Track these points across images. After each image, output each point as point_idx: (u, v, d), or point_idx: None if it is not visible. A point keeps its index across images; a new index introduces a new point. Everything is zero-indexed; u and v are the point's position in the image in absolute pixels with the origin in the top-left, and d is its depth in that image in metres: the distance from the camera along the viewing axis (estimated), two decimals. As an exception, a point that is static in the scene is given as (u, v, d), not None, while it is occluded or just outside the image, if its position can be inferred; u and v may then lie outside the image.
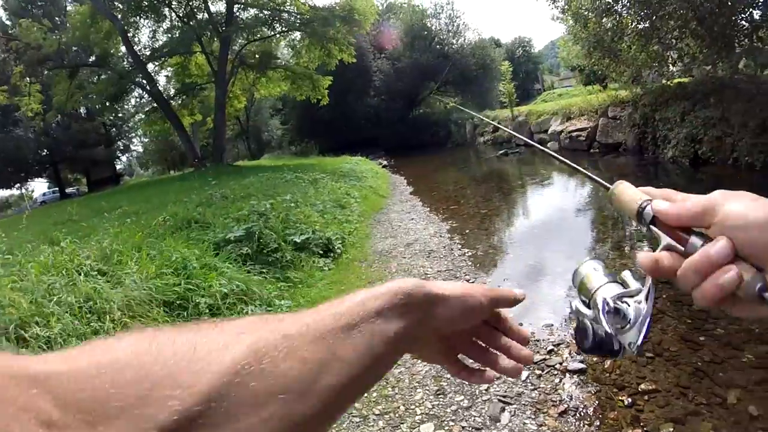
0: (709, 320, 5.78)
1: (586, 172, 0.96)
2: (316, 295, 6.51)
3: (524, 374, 4.69)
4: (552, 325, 5.75)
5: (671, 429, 3.99)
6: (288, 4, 25.99)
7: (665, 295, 6.63)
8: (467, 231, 10.41)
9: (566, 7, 20.39)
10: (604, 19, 19.46)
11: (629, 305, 0.73)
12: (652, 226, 0.74)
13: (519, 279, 7.53)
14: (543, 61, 64.94)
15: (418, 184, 17.18)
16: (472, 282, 7.16)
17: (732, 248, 0.58)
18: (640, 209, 0.75)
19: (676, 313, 6.05)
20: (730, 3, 13.83)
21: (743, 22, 15.87)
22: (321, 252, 8.39)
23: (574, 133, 23.00)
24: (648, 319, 0.71)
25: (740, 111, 14.40)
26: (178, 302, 5.20)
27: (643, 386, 4.54)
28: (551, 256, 8.70)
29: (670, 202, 0.71)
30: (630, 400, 4.35)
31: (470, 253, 8.72)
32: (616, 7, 18.90)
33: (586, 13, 19.83)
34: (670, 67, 20.31)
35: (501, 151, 25.36)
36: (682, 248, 0.68)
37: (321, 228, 9.02)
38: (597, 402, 4.36)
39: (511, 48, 58.77)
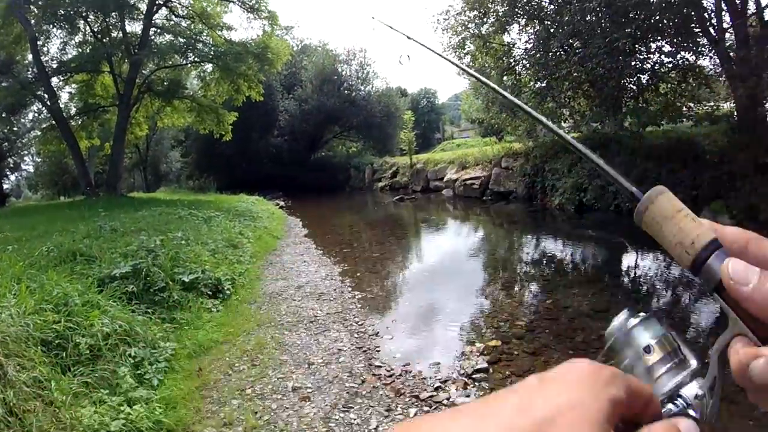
0: (590, 349, 6.12)
1: (615, 175, 0.67)
2: (203, 338, 6.32)
3: (412, 411, 4.70)
4: (439, 363, 5.86)
5: None
6: (204, 34, 25.62)
7: (549, 329, 6.93)
8: (359, 274, 10.42)
9: (471, 64, 21.62)
10: (505, 77, 20.77)
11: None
12: (719, 297, 0.48)
13: (410, 320, 7.61)
14: (446, 112, 66.87)
15: (314, 227, 17.06)
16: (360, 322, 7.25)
17: None
18: (699, 258, 0.49)
19: (559, 345, 6.38)
20: (620, 68, 15.01)
21: (631, 86, 17.42)
22: (210, 293, 8.00)
23: (469, 181, 23.93)
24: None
25: (623, 162, 15.72)
26: (57, 341, 4.83)
27: None
28: (442, 298, 8.89)
29: (749, 260, 0.47)
30: None
31: (361, 296, 8.71)
32: (516, 68, 20.29)
33: (489, 70, 21.18)
34: (563, 123, 21.80)
35: (397, 197, 25.82)
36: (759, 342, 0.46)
37: (211, 268, 8.66)
38: None
39: (417, 98, 60.19)
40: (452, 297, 8.92)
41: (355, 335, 6.72)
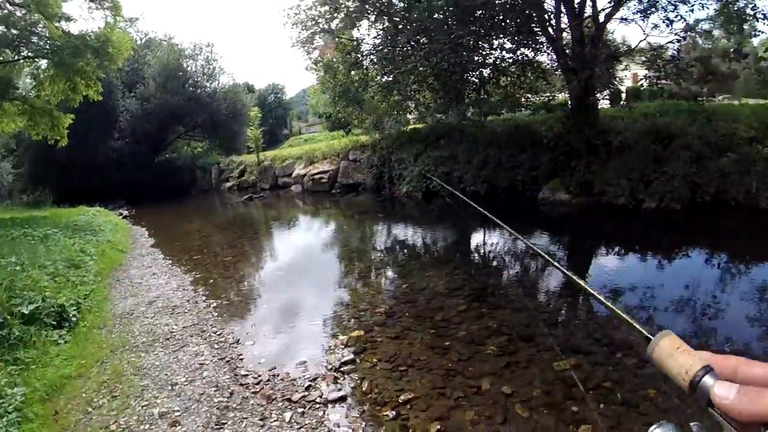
0: (451, 326, 6.49)
1: (626, 317, 0.81)
2: (53, 376, 5.57)
3: (287, 415, 4.63)
4: (306, 361, 5.82)
5: (438, 427, 4.32)
6: (41, 26, 23.04)
7: (408, 312, 7.17)
8: (212, 281, 9.97)
9: (319, 59, 21.63)
10: (353, 72, 21.06)
11: None
12: (711, 410, 0.60)
13: (270, 322, 7.48)
14: (293, 108, 66.35)
15: (161, 235, 16.12)
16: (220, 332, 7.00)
17: None
18: (694, 380, 0.62)
19: (420, 326, 6.59)
20: (464, 63, 15.72)
21: (474, 79, 18.42)
22: (54, 322, 6.85)
23: (317, 176, 24.01)
24: None
25: (466, 150, 17.01)
26: None
27: (402, 397, 4.82)
28: (300, 295, 8.87)
29: (738, 380, 0.60)
30: (394, 412, 4.58)
31: (216, 304, 8.35)
32: (364, 62, 20.54)
33: (337, 65, 21.42)
34: (408, 115, 22.57)
35: (246, 196, 25.26)
36: None
37: (52, 294, 7.58)
38: (364, 423, 4.50)
39: (264, 94, 59.12)
40: (310, 292, 8.94)
41: (216, 346, 6.45)
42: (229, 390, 5.18)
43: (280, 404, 4.87)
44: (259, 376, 5.50)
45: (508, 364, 5.36)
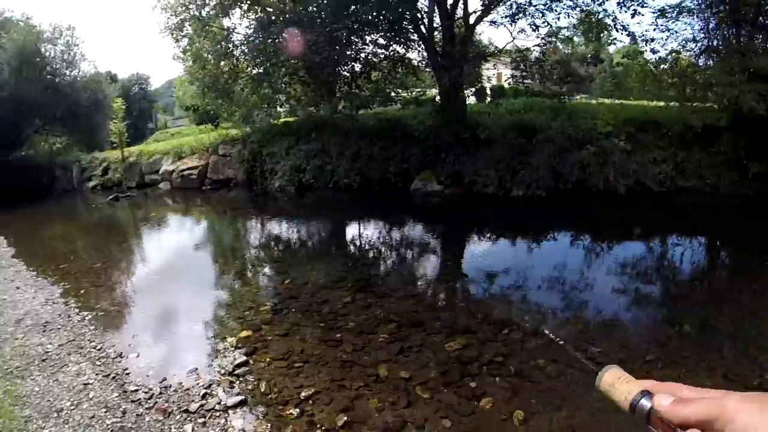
0: (339, 318, 6.50)
1: (575, 355, 0.96)
2: None
3: (188, 428, 4.38)
4: (197, 368, 5.48)
5: (345, 418, 4.30)
6: None
7: (294, 307, 7.07)
8: (83, 291, 8.91)
9: (188, 47, 20.66)
10: (222, 62, 20.29)
11: None
12: (650, 426, 0.70)
13: (152, 330, 6.93)
14: (159, 100, 63.15)
15: (22, 244, 14.41)
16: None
17: None
18: (633, 403, 0.72)
19: (308, 320, 6.53)
20: (336, 57, 15.78)
21: (345, 73, 18.49)
22: None
23: (186, 172, 22.81)
24: None
25: (338, 143, 17.06)
26: None
27: (303, 393, 4.73)
28: (180, 298, 8.40)
29: (674, 397, 0.68)
30: (298, 410, 4.49)
31: (91, 316, 7.55)
32: (234, 52, 19.89)
33: (206, 55, 20.41)
34: (279, 108, 22.24)
35: (111, 196, 23.72)
36: None
37: None
38: (270, 425, 4.37)
39: (128, 84, 55.49)
40: (189, 295, 8.49)
41: (98, 363, 5.88)
42: (121, 409, 4.74)
43: (178, 417, 4.56)
44: (150, 389, 5.10)
45: (402, 350, 5.45)
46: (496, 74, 21.84)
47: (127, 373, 5.56)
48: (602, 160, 13.16)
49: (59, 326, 7.21)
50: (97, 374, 5.57)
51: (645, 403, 0.70)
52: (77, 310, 7.86)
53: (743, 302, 6.60)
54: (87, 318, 7.50)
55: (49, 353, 6.25)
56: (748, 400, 0.60)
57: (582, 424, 4.01)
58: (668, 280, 7.96)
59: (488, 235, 11.38)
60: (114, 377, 5.47)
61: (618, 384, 0.76)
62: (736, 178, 12.59)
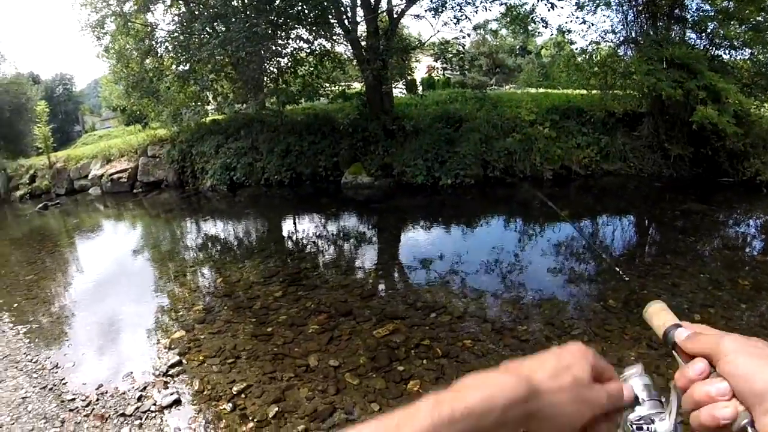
0: (270, 312, 6.60)
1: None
2: None
3: (126, 430, 4.41)
4: (132, 372, 5.50)
5: (276, 409, 4.41)
6: None
7: (227, 305, 7.11)
8: (16, 305, 8.63)
9: (110, 45, 20.03)
10: (147, 60, 19.74)
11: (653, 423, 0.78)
12: (674, 352, 0.80)
13: (87, 339, 6.79)
14: (85, 101, 60.58)
15: None
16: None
17: (730, 391, 0.67)
18: (666, 332, 0.82)
19: (240, 317, 6.58)
20: (261, 52, 15.68)
21: (272, 68, 18.37)
22: None
23: (116, 176, 22.05)
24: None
25: (267, 140, 17.06)
26: None
27: (235, 388, 4.81)
28: (115, 305, 8.14)
29: (691, 332, 0.78)
30: (230, 404, 4.58)
31: (26, 329, 7.34)
32: (159, 50, 19.39)
33: (129, 52, 19.85)
34: (207, 106, 21.86)
35: (40, 205, 22.78)
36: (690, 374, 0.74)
37: None
38: (204, 421, 4.44)
39: (51, 85, 52.86)
40: (124, 302, 8.26)
41: (34, 375, 5.80)
42: (60, 419, 4.73)
43: (115, 421, 4.58)
44: (87, 397, 5.08)
45: (331, 339, 5.58)
46: (426, 67, 22.09)
47: (64, 383, 5.52)
48: (527, 147, 13.65)
49: (-6, 342, 7.04)
50: (34, 387, 5.51)
51: (673, 333, 0.80)
52: (11, 325, 7.65)
53: (666, 275, 6.96)
54: (21, 332, 7.32)
55: (-18, 369, 6.13)
56: (738, 341, 0.71)
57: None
58: (591, 258, 8.32)
59: (418, 224, 11.58)
60: (51, 388, 5.43)
61: (658, 315, 0.86)
62: (659, 160, 13.32)
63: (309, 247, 10.72)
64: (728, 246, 8.57)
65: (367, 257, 9.31)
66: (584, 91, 15.52)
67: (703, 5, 13.89)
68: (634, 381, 0.81)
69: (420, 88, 20.86)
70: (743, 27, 13.00)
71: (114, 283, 9.79)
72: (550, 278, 7.22)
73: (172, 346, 5.95)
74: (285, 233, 12.35)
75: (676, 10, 13.74)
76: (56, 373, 5.83)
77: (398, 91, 18.61)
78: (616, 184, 13.22)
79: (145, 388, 5.11)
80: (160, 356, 5.76)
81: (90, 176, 23.67)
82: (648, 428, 0.77)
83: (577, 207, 11.99)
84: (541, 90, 19.93)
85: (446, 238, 10.29)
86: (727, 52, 13.77)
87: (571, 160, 13.56)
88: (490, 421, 0.60)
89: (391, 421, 0.60)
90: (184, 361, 5.55)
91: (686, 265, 7.35)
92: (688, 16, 13.97)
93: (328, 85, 18.76)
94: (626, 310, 5.84)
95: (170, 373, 5.33)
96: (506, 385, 0.64)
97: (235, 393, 4.74)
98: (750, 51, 13.51)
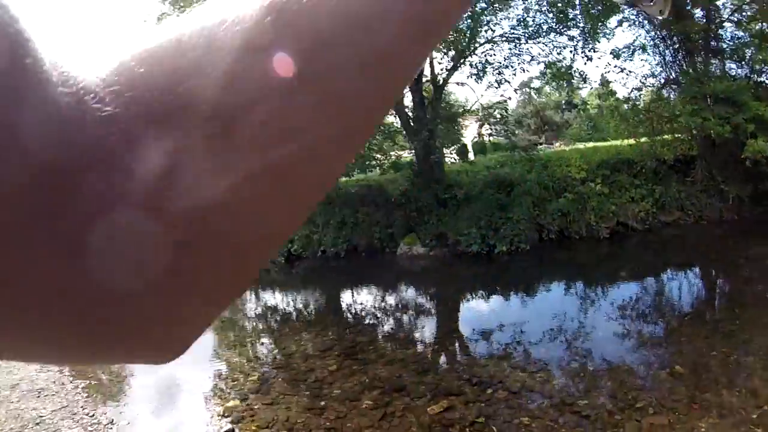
0: (324, 386, 6.52)
1: None
2: None
3: None
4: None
5: None
6: None
7: (282, 376, 7.12)
8: None
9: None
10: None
11: None
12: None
13: (145, 400, 7.07)
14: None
15: None
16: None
17: None
18: None
19: (294, 389, 6.56)
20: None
21: None
22: None
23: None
24: None
25: (323, 212, 17.14)
26: None
27: None
28: (174, 370, 7.98)
29: None
30: None
31: (85, 384, 7.62)
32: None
33: None
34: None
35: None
36: None
37: None
38: None
39: None
40: (184, 363, 8.40)
41: (89, 429, 5.99)
42: None
43: None
44: None
45: (384, 415, 5.47)
46: (476, 131, 22.24)
47: (119, 440, 5.58)
48: (581, 206, 13.35)
49: (53, 393, 7.31)
50: (89, 440, 5.57)
51: None
52: (71, 379, 7.91)
53: (734, 332, 6.61)
54: (80, 386, 7.55)
55: (43, 418, 6.37)
56: None
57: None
58: (656, 319, 7.98)
59: (475, 294, 11.39)
60: (106, 444, 5.47)
61: None
62: (717, 204, 12.81)
63: (366, 319, 10.66)
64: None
65: (424, 330, 9.21)
66: (633, 141, 15.20)
67: (737, 32, 13.59)
68: None
69: (471, 153, 20.90)
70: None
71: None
72: (612, 345, 6.91)
73: (226, 414, 5.99)
74: (342, 305, 12.35)
75: (712, 42, 13.47)
76: (111, 429, 5.98)
77: (449, 159, 18.71)
78: (676, 236, 12.78)
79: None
80: (214, 423, 5.82)
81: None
82: None
83: (638, 264, 11.58)
84: (590, 144, 19.80)
85: (504, 307, 10.07)
86: (768, 77, 13.26)
87: (626, 215, 13.23)
88: None
89: None
90: (236, 430, 5.57)
91: (756, 317, 6.98)
92: (725, 46, 13.69)
93: (380, 156, 19.00)
94: (694, 377, 5.53)
95: (222, 441, 5.31)
96: None
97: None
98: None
